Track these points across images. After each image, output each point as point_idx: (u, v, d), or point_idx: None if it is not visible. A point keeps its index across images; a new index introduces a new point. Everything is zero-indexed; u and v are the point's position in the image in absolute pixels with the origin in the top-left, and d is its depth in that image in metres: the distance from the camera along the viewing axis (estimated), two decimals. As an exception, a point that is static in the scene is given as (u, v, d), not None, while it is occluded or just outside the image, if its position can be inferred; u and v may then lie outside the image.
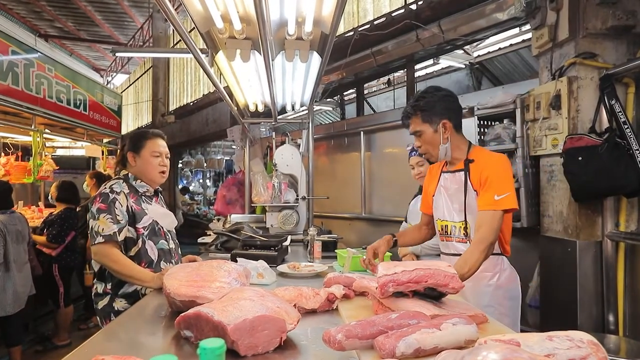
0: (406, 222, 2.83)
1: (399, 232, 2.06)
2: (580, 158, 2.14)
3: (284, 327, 1.10)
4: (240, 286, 1.43)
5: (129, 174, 1.96)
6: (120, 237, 1.77)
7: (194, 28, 1.88)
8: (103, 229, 1.74)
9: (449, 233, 1.82)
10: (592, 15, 2.28)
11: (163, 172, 1.99)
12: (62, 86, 4.59)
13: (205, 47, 2.08)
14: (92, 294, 1.89)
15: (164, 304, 1.47)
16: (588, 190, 2.19)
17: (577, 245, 2.27)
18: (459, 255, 1.74)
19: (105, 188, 1.85)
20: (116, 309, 1.80)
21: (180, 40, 8.84)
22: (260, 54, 1.97)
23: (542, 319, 2.58)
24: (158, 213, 1.96)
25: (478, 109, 2.84)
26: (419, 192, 2.63)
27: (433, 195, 1.88)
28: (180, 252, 2.10)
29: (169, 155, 2.03)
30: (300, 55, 2.00)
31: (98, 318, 1.88)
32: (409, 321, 1.06)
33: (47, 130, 4.69)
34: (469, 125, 2.75)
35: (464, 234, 1.76)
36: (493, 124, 2.81)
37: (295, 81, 2.59)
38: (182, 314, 1.13)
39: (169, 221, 1.98)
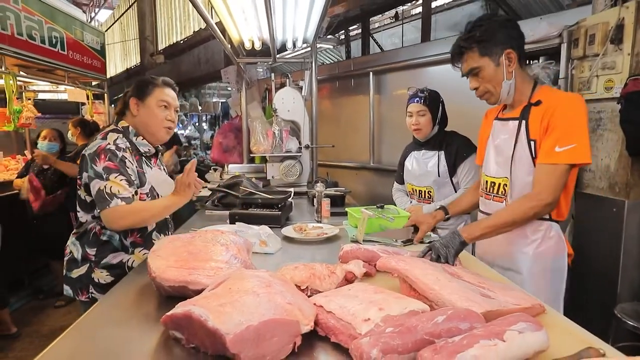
0: (400, 183, 2.50)
1: (450, 203, 1.83)
2: (645, 104, 1.79)
3: (297, 330, 0.87)
4: (241, 266, 1.20)
5: (130, 127, 1.67)
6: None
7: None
8: (119, 191, 1.46)
9: (487, 190, 1.59)
10: None
11: (169, 128, 1.70)
12: (33, 21, 4.06)
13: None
14: (65, 259, 1.64)
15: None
16: (653, 143, 1.86)
17: (626, 206, 2.00)
18: None
19: (108, 143, 1.54)
20: (96, 280, 1.57)
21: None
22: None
23: (571, 284, 2.37)
24: (158, 180, 1.71)
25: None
26: (416, 148, 2.31)
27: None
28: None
29: (178, 110, 1.75)
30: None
31: (69, 288, 1.62)
32: (459, 324, 0.83)
33: (21, 73, 4.24)
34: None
35: (502, 192, 1.51)
36: (530, 63, 2.41)
37: (298, 12, 2.20)
38: (169, 314, 0.90)
39: (168, 190, 1.71)
